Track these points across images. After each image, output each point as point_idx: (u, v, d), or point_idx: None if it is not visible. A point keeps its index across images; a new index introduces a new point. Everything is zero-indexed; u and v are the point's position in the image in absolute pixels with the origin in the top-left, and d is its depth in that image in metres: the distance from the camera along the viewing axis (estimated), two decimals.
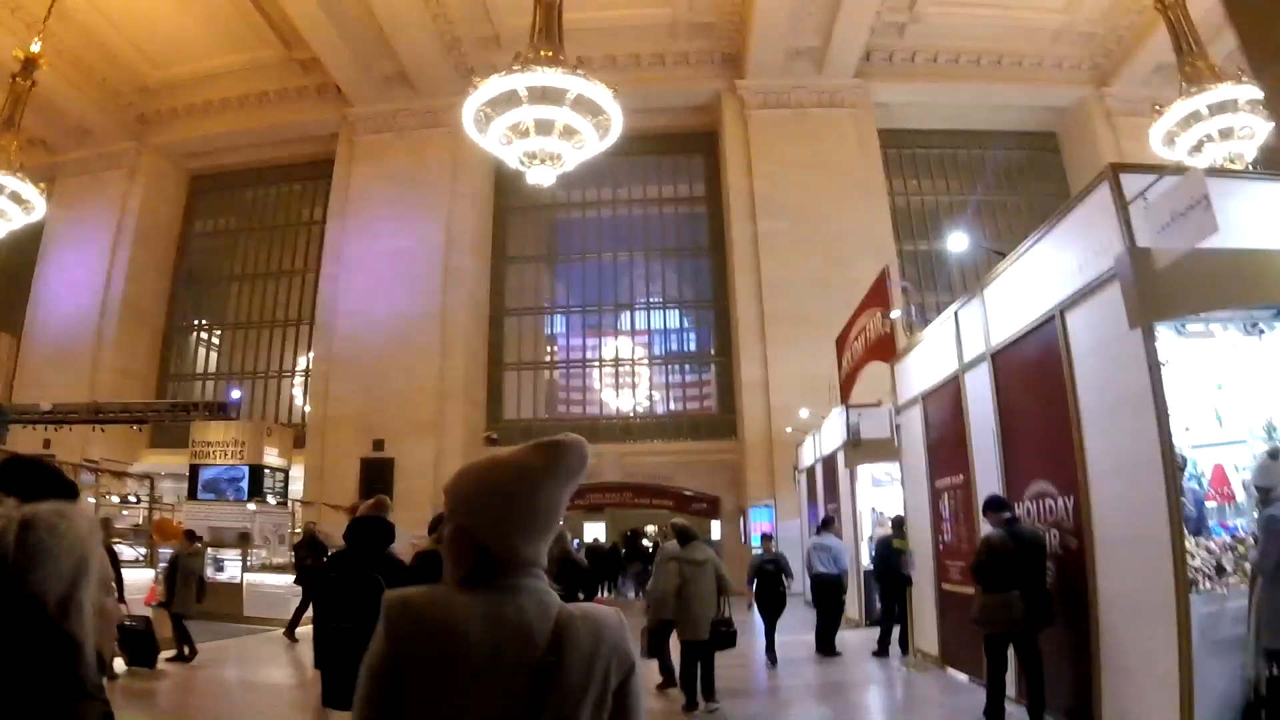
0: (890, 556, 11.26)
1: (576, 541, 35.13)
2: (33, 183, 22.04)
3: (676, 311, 31.14)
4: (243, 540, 18.70)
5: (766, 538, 14.71)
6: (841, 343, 15.70)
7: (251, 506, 20.23)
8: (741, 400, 26.69)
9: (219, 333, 34.21)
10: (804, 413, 20.80)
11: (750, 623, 12.10)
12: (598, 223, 31.87)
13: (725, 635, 8.25)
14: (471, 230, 29.14)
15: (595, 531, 35.18)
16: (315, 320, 29.69)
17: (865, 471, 15.77)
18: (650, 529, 43.04)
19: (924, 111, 30.02)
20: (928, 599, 10.27)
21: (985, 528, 7.70)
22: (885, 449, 14.26)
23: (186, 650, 11.19)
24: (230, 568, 17.69)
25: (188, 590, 11.63)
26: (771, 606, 11.43)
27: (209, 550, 17.62)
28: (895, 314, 11.88)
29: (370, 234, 28.83)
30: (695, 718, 7.96)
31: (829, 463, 17.17)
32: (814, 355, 22.24)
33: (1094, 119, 28.51)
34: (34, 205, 22.44)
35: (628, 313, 31.15)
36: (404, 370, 26.92)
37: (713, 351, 30.17)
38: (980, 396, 8.66)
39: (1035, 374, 7.52)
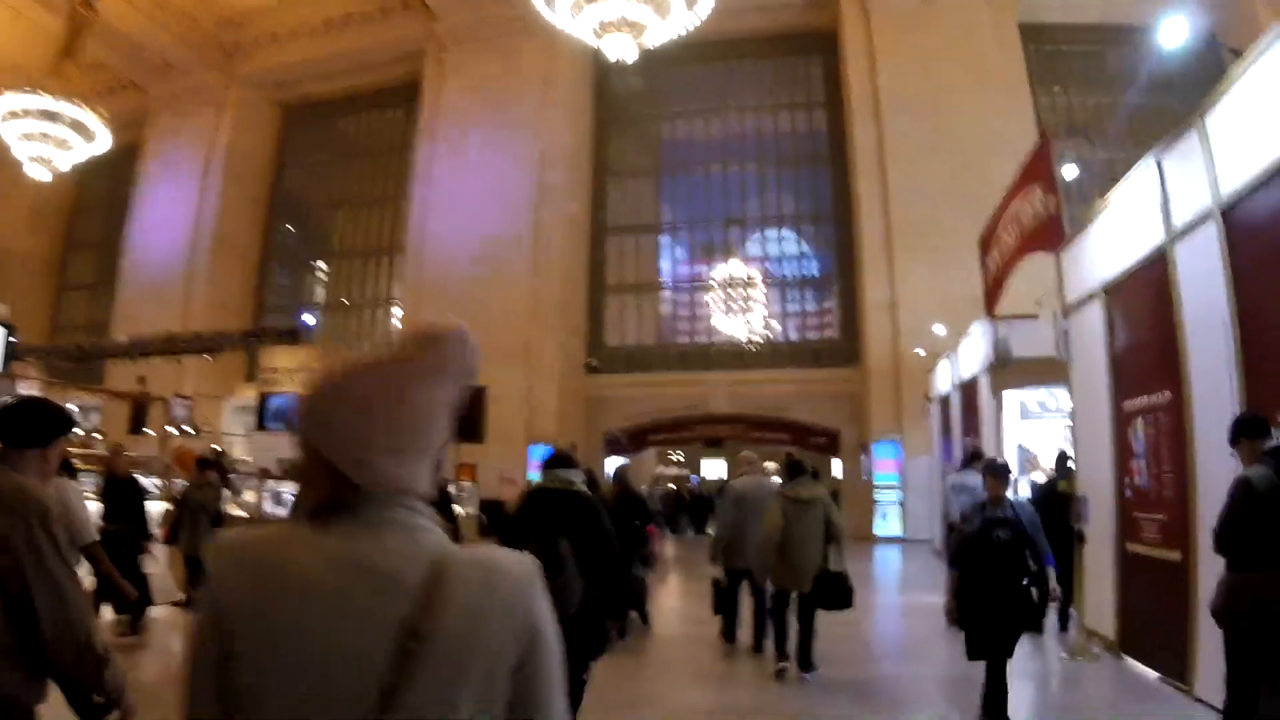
0: (1054, 504, 8.60)
1: (696, 478, 33.60)
2: (94, 110, 20.90)
3: (794, 227, 28.14)
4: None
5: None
6: (987, 240, 12.78)
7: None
8: (866, 323, 23.82)
9: (314, 264, 33.22)
10: (939, 329, 17.93)
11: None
12: (706, 135, 29.17)
13: (840, 591, 6.78)
14: (567, 144, 26.91)
15: (716, 469, 33.32)
16: (406, 245, 28.07)
17: (1012, 400, 13.01)
18: (770, 465, 40.82)
19: (1067, 2, 25.72)
20: (1104, 563, 7.61)
21: (1209, 465, 5.55)
22: (1041, 369, 11.51)
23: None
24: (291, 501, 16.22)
25: (196, 528, 9.94)
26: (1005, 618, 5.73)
27: (269, 483, 16.44)
28: (1070, 173, 8.94)
29: (459, 152, 27.01)
30: (787, 680, 6.86)
31: (968, 390, 14.38)
32: (948, 271, 19.66)
33: (1258, 11, 23.72)
34: (96, 134, 21.31)
35: (740, 230, 28.38)
36: (494, 293, 25.07)
37: (834, 271, 27.17)
38: (1202, 276, 5.95)
39: None
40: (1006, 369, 11.81)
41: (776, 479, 8.12)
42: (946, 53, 24.23)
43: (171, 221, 30.83)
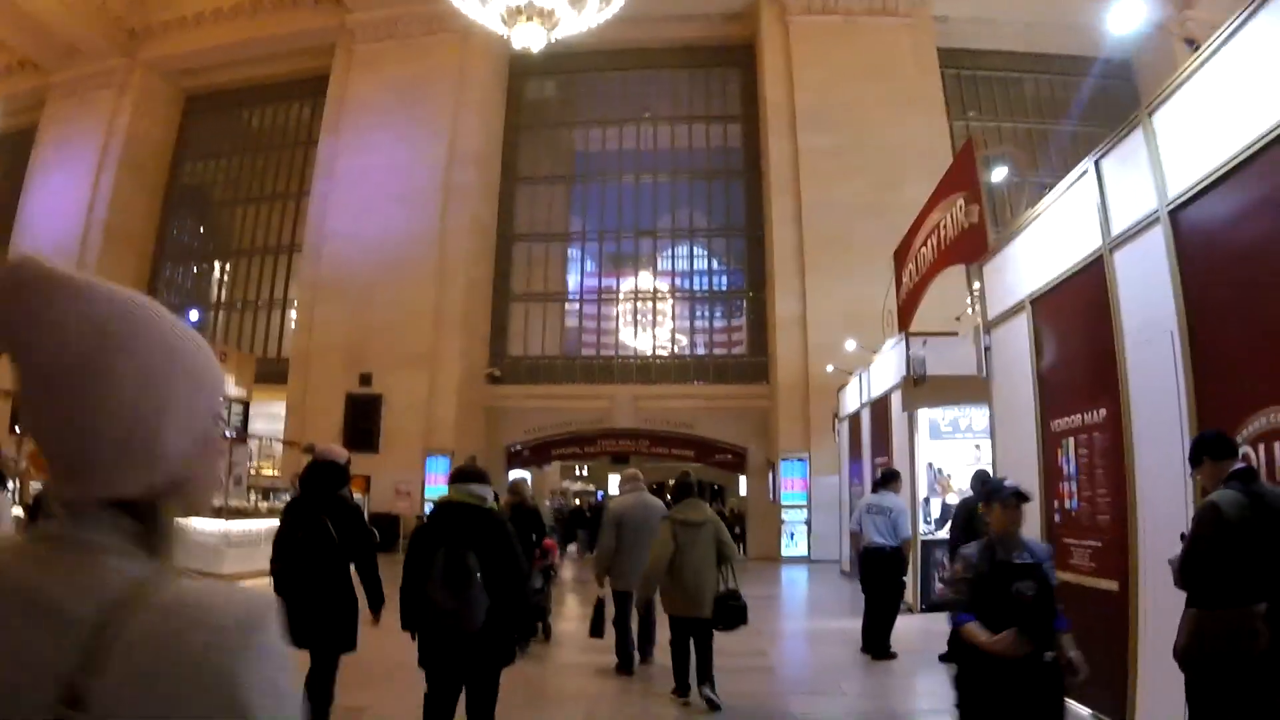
0: (973, 529, 8.14)
1: (601, 494, 32.84)
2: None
3: (705, 241, 27.71)
4: None
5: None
6: (903, 253, 12.43)
7: None
8: (775, 339, 23.48)
9: (211, 261, 31.52)
10: (850, 344, 17.58)
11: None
12: (620, 144, 28.56)
13: (734, 609, 6.59)
14: (478, 145, 25.98)
15: (616, 485, 32.60)
16: (304, 243, 26.75)
17: (923, 418, 12.65)
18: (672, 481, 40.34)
19: (987, 29, 26.02)
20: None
21: (1151, 488, 5.26)
22: (956, 388, 11.20)
23: None
24: None
25: None
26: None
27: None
28: (1000, 175, 8.54)
29: (365, 148, 25.87)
30: (692, 704, 6.63)
31: (879, 407, 14.02)
32: (860, 288, 19.42)
33: (1175, 46, 24.32)
34: None
35: (651, 241, 27.83)
36: (396, 297, 24.01)
37: (745, 286, 26.80)
38: (1145, 283, 5.54)
39: (1264, 230, 4.35)
40: (920, 387, 11.42)
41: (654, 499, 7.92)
42: (865, 71, 24.20)
43: (62, 210, 28.99)
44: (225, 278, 31.06)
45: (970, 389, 10.81)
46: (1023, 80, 26.87)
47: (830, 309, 21.62)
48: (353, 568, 5.12)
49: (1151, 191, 5.50)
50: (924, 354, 11.34)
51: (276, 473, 23.18)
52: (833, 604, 14.03)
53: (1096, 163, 6.22)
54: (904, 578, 8.64)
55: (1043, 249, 7.20)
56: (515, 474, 26.68)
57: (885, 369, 13.62)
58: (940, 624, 9.72)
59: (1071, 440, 6.51)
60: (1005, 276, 8.00)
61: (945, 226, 10.04)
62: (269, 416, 25.81)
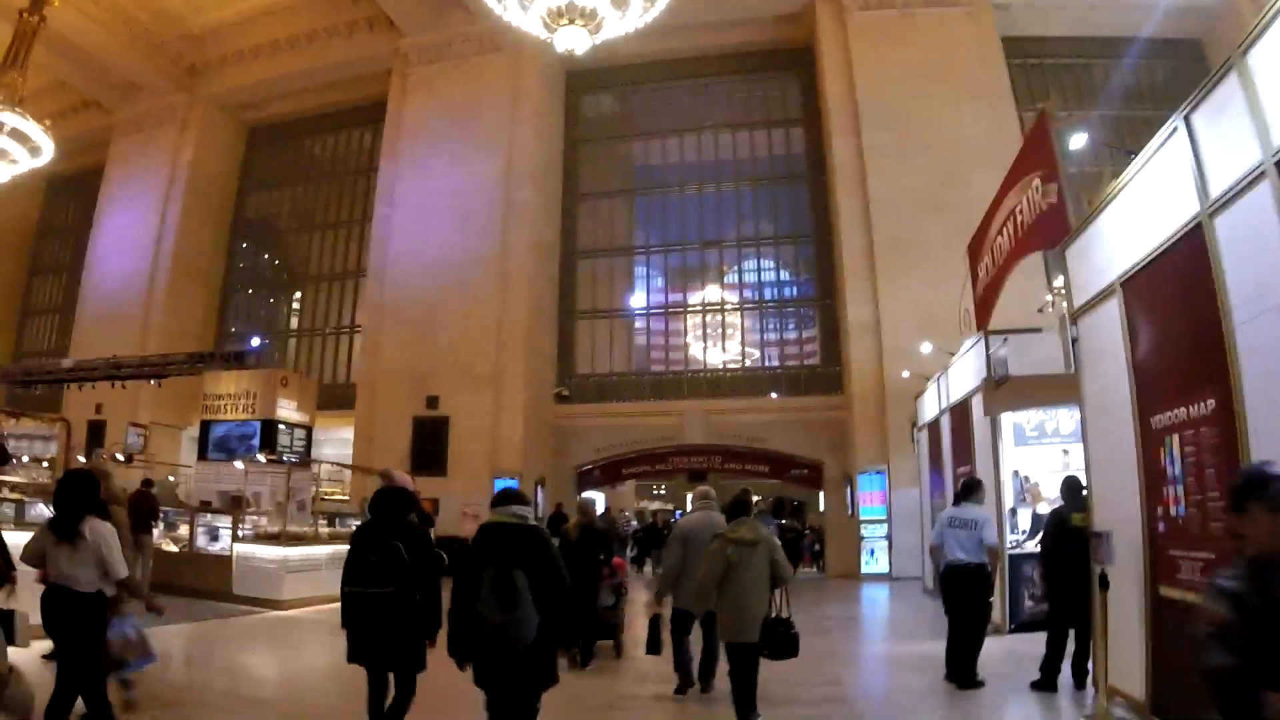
0: (1066, 541, 7.31)
1: (680, 513, 32.24)
2: (38, 121, 19.96)
3: (772, 249, 26.94)
4: (234, 504, 15.80)
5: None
6: (977, 246, 11.60)
7: (239, 465, 17.37)
8: (848, 346, 22.58)
9: (278, 290, 31.97)
10: (926, 347, 16.68)
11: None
12: (680, 154, 28.06)
13: (784, 638, 6.22)
14: (535, 162, 25.71)
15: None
16: (368, 268, 26.81)
17: (1007, 424, 11.74)
18: (755, 499, 39.37)
19: (1048, 15, 24.83)
20: (1130, 610, 6.29)
21: None
22: (1042, 388, 10.37)
23: None
24: (227, 536, 14.90)
25: None
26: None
27: (205, 516, 15.12)
28: (1080, 143, 7.73)
29: (424, 171, 25.88)
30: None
31: (959, 413, 13.12)
32: (933, 289, 18.69)
33: (1247, 22, 22.77)
34: (41, 148, 20.21)
35: (716, 252, 27.16)
36: (459, 318, 23.86)
37: (815, 293, 25.96)
38: (1251, 248, 4.83)
39: None
40: (1002, 388, 10.55)
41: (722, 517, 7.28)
42: (926, 64, 23.32)
43: (131, 245, 29.87)
44: (293, 306, 31.40)
45: (1057, 389, 9.98)
46: (1091, 66, 25.51)
47: (903, 313, 20.74)
48: None
49: (1253, 142, 4.74)
50: (1005, 353, 10.46)
51: (346, 497, 23.08)
52: (914, 625, 13.16)
53: (1186, 118, 5.47)
54: (990, 597, 7.78)
55: (1131, 224, 6.40)
56: (585, 495, 26.40)
57: (964, 372, 12.74)
58: (1031, 646, 8.90)
59: (1175, 437, 5.69)
60: (1091, 259, 7.19)
61: (1021, 211, 9.23)
62: (339, 442, 25.90)
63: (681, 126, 27.99)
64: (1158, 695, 5.99)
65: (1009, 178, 9.87)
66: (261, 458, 17.51)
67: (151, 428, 23.32)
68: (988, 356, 10.84)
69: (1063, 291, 8.75)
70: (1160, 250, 5.89)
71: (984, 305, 11.20)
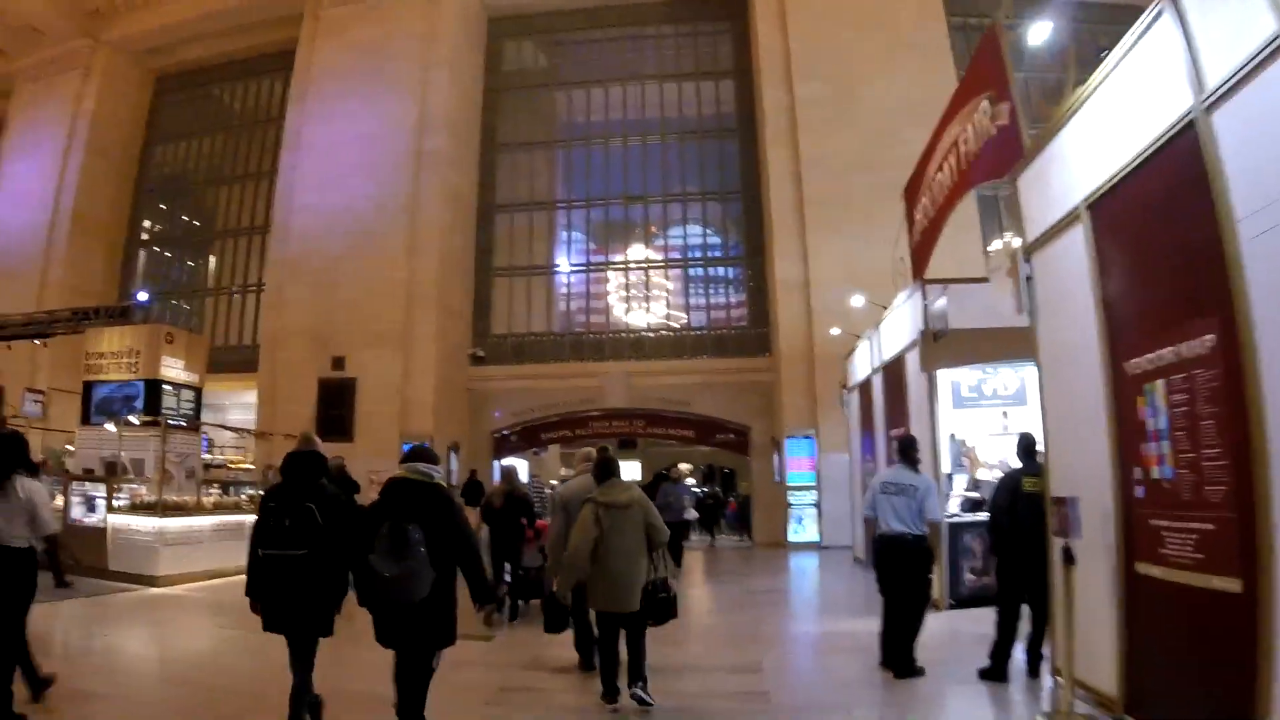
0: (1021, 509, 6.36)
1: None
2: None
3: (699, 205, 25.82)
4: (109, 471, 14.26)
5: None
6: (914, 187, 10.64)
7: (111, 428, 15.84)
8: (776, 306, 21.62)
9: (183, 247, 29.92)
10: (857, 300, 15.81)
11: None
12: (605, 105, 26.78)
13: (662, 602, 5.96)
14: (451, 109, 24.15)
15: (630, 471, 31.09)
16: (273, 221, 25.05)
17: (944, 384, 10.85)
18: (684, 467, 38.45)
19: None
20: (1099, 590, 5.36)
21: None
22: (984, 343, 9.54)
23: None
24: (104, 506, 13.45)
25: None
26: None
27: (77, 485, 13.68)
28: (1042, 36, 6.70)
29: (331, 116, 24.25)
30: (621, 711, 5.87)
31: (893, 372, 12.23)
32: (865, 247, 18.23)
33: None
34: None
35: (641, 207, 25.97)
36: (366, 273, 22.39)
37: (743, 252, 24.93)
38: (1259, 144, 3.89)
39: None
40: (940, 342, 9.61)
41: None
42: (863, 16, 22.34)
43: (29, 198, 27.78)
44: (199, 264, 29.46)
45: (1001, 342, 9.12)
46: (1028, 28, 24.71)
47: (833, 271, 19.91)
48: None
49: (1264, 12, 3.73)
50: (944, 303, 9.52)
51: (251, 465, 21.59)
52: (845, 599, 12.25)
53: (1175, 2, 4.45)
54: (930, 574, 6.78)
55: (1100, 137, 5.40)
56: (507, 462, 25.16)
57: (899, 326, 11.81)
58: (974, 625, 8.00)
59: (1159, 384, 4.71)
60: (1049, 184, 6.19)
61: (966, 141, 8.24)
62: (245, 407, 24.36)
63: (608, 77, 26.67)
64: (1132, 691, 5.08)
65: (951, 106, 8.90)
66: (135, 420, 15.91)
67: (51, 394, 21.49)
68: (925, 307, 9.90)
69: (1007, 235, 7.80)
70: (1138, 161, 4.90)
71: (921, 252, 10.27)
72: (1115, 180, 5.17)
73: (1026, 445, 6.76)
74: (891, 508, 6.59)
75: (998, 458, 11.15)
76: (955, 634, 8.21)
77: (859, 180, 20.08)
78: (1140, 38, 4.86)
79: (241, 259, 27.80)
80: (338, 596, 5.05)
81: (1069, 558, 5.31)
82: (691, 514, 15.03)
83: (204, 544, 13.65)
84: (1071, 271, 5.76)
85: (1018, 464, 6.90)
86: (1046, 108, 6.60)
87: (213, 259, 29.03)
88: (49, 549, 5.84)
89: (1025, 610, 6.57)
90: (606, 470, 6.19)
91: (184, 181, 30.09)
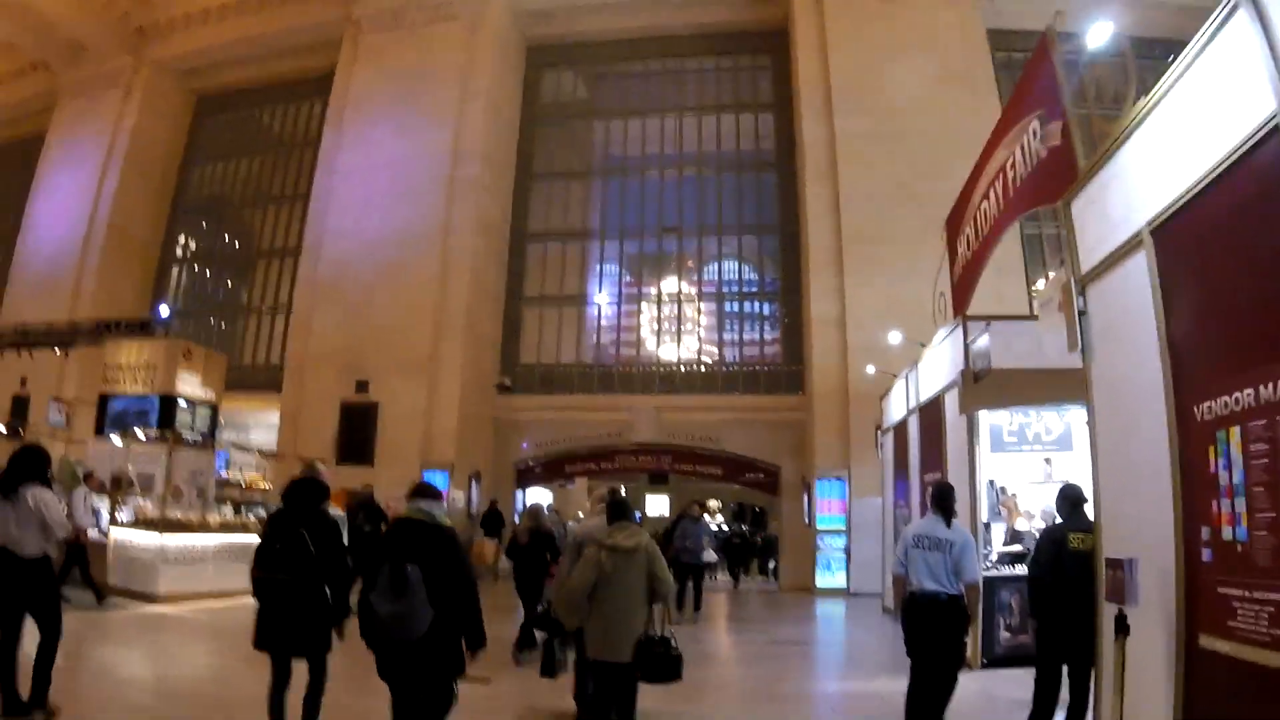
0: (1066, 568, 5.71)
1: (638, 515, 30.46)
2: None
3: (735, 238, 25.29)
4: (114, 485, 13.94)
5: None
6: (956, 218, 10.06)
7: (117, 440, 15.57)
8: (810, 342, 20.97)
9: (217, 266, 30.02)
10: (895, 336, 15.18)
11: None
12: (643, 136, 26.46)
13: (663, 660, 5.44)
14: (486, 137, 23.97)
15: (659, 506, 30.58)
16: (304, 243, 24.95)
17: (984, 425, 10.17)
18: (713, 504, 37.68)
19: (1038, 6, 23.27)
20: (1156, 662, 4.70)
21: None
22: (1028, 384, 8.92)
23: None
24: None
25: None
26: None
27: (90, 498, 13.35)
28: (1101, 36, 6.14)
29: (367, 143, 24.13)
30: None
31: (930, 413, 11.59)
32: (903, 282, 17.52)
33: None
34: None
35: (676, 240, 25.50)
36: (396, 299, 22.10)
37: (778, 287, 24.34)
38: None
39: None
40: (981, 383, 8.98)
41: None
42: (905, 48, 21.80)
43: (68, 212, 27.95)
44: (232, 283, 29.49)
45: (1047, 384, 8.51)
46: (1078, 61, 24.08)
47: (870, 308, 19.29)
48: None
49: None
50: (986, 341, 8.89)
51: (268, 485, 21.30)
52: (873, 654, 11.45)
53: None
54: (965, 638, 6.07)
55: (1166, 151, 4.81)
56: (533, 497, 24.63)
57: (937, 365, 11.19)
58: (1010, 687, 7.31)
59: (1234, 432, 4.08)
60: (1107, 207, 5.60)
61: (1014, 166, 7.66)
62: (269, 427, 24.14)
63: (646, 108, 26.42)
64: None
65: (998, 129, 8.33)
66: (140, 433, 15.64)
67: (77, 405, 21.43)
68: (966, 345, 9.27)
69: (1055, 272, 7.20)
70: (1210, 178, 4.30)
71: (963, 286, 9.65)
72: (1184, 200, 4.58)
73: (1073, 498, 6.11)
74: (925, 564, 5.91)
75: (1039, 507, 10.46)
76: (989, 697, 7.54)
77: (901, 214, 19.49)
78: (1211, 39, 4.29)
79: (274, 280, 27.70)
80: (330, 622, 5.23)
81: (1123, 626, 4.67)
82: (711, 556, 14.26)
83: (207, 563, 13.29)
84: (1132, 304, 5.16)
85: (1059, 517, 6.24)
86: (1104, 124, 5.99)
87: (245, 279, 28.98)
88: (82, 571, 6.90)
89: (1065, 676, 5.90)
90: (616, 511, 5.83)
91: (220, 201, 30.17)
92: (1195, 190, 4.46)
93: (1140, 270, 5.04)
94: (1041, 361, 8.73)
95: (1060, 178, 6.42)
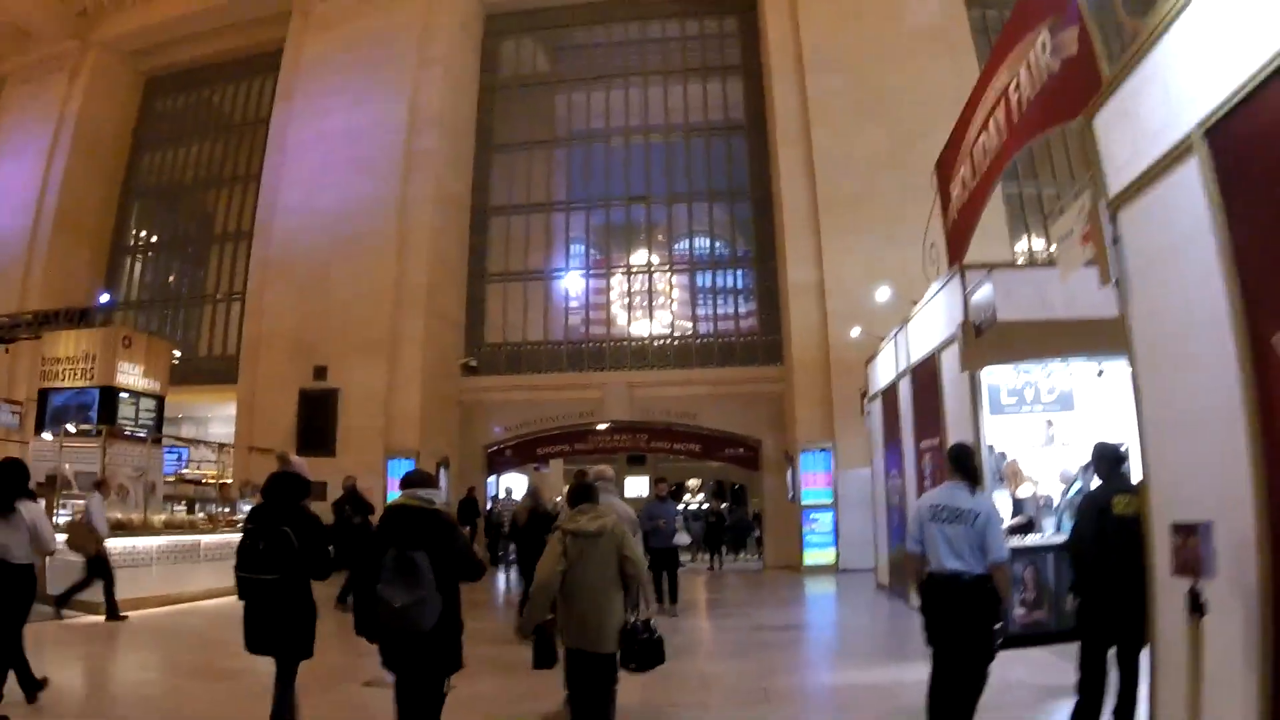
0: (1112, 534, 4.90)
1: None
2: None
3: (706, 206, 24.31)
4: (49, 486, 12.91)
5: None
6: (949, 160, 9.22)
7: (48, 436, 14.55)
8: (788, 311, 20.04)
9: (170, 251, 28.77)
10: (883, 293, 14.40)
11: None
12: (607, 102, 25.39)
13: (646, 645, 5.09)
14: (444, 107, 22.87)
15: (638, 487, 29.78)
16: (256, 223, 23.81)
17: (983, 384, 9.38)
18: (693, 483, 36.89)
19: None
20: (1231, 646, 3.88)
21: None
22: (1037, 336, 8.03)
23: None
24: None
25: None
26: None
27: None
28: None
29: (319, 114, 23.02)
30: None
31: (924, 374, 10.80)
32: (884, 249, 17.26)
33: None
34: None
35: (643, 208, 24.53)
36: (351, 277, 21.02)
37: (752, 254, 23.48)
38: None
39: None
40: (984, 336, 8.16)
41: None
42: (878, 6, 21.04)
43: (12, 201, 26.57)
44: (186, 269, 28.26)
45: (1059, 336, 7.72)
46: None
47: (850, 273, 18.50)
48: None
49: None
50: (989, 290, 8.07)
51: (228, 479, 20.28)
52: (873, 638, 10.52)
53: None
54: (996, 624, 5.11)
55: (1220, 38, 3.96)
56: (506, 483, 23.77)
57: (931, 322, 10.37)
58: (1032, 671, 6.53)
59: None
60: (1143, 115, 4.75)
61: (1019, 86, 6.80)
62: (228, 419, 23.09)
63: (610, 73, 25.35)
64: None
65: (994, 55, 7.50)
66: (72, 428, 14.60)
67: (29, 404, 20.26)
68: (964, 296, 8.45)
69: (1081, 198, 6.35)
70: None
71: (960, 232, 8.83)
72: (1246, 91, 3.74)
73: (1111, 456, 5.29)
74: (944, 539, 5.03)
75: (1042, 473, 9.72)
76: (1008, 686, 6.69)
77: (879, 179, 18.81)
78: None
79: (228, 265, 26.49)
80: (311, 621, 5.16)
81: (1196, 605, 3.85)
82: (683, 538, 13.20)
83: (152, 567, 12.36)
84: (1180, 222, 4.33)
85: (1097, 478, 5.42)
86: (1132, 22, 5.15)
87: (200, 266, 27.79)
88: (106, 586, 8.35)
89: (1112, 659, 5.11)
90: (579, 495, 5.36)
91: (173, 185, 28.82)
92: (1263, 75, 3.62)
93: (1191, 181, 4.21)
94: (1046, 313, 7.96)
95: (1079, 91, 5.57)
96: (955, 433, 9.07)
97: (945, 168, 9.39)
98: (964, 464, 5.25)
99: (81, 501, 13.17)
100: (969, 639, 5.00)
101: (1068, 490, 9.07)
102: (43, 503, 12.71)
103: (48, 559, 9.68)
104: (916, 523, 5.29)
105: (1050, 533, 9.07)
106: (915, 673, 5.75)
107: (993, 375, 9.54)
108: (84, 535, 10.92)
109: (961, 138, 8.64)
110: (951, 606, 5.00)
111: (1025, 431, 10.01)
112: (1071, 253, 5.88)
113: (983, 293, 8.12)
